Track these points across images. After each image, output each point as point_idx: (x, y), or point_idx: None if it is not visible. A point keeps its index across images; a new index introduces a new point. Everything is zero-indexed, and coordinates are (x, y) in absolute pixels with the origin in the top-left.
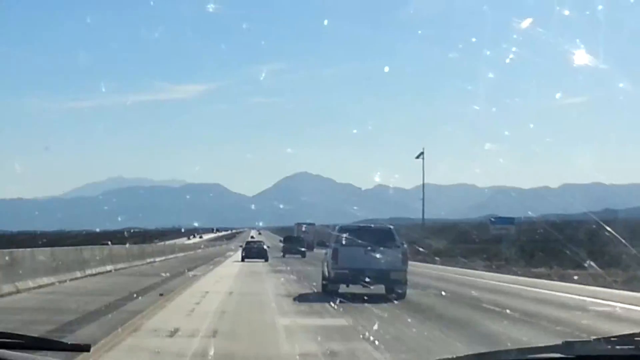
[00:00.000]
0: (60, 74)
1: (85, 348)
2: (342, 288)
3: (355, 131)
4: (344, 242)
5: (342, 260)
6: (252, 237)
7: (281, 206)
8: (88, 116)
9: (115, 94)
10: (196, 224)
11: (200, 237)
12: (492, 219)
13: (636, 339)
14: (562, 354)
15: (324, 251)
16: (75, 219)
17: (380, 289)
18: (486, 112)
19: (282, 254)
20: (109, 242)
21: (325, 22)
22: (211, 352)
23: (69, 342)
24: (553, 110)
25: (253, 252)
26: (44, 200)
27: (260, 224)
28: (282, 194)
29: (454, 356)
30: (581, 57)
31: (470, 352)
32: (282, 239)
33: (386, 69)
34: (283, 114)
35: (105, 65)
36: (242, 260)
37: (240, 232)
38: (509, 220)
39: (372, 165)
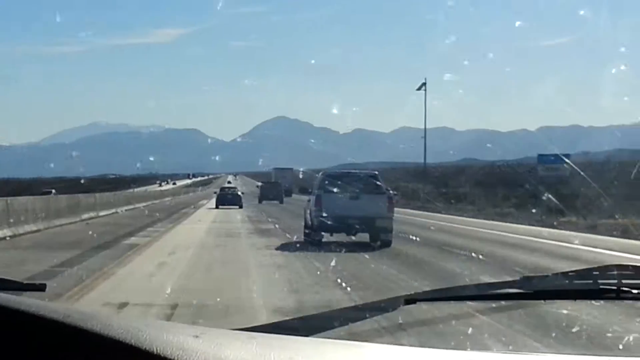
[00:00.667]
0: (36, 18)
1: (40, 287)
2: (326, 237)
3: (328, 74)
4: (327, 189)
5: (325, 207)
6: (228, 181)
7: (262, 150)
8: (66, 62)
9: (92, 39)
10: (174, 171)
11: (174, 183)
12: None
13: (594, 273)
14: (520, 288)
15: (306, 198)
16: (51, 166)
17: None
18: (462, 49)
19: (258, 200)
20: (53, 191)
21: None
22: None
23: (24, 282)
24: (533, 51)
25: (227, 198)
26: (20, 146)
27: (237, 168)
28: (260, 139)
29: (412, 292)
30: None
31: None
32: (259, 184)
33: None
34: (261, 58)
35: (83, 10)
36: (216, 207)
37: (217, 177)
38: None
39: (350, 109)
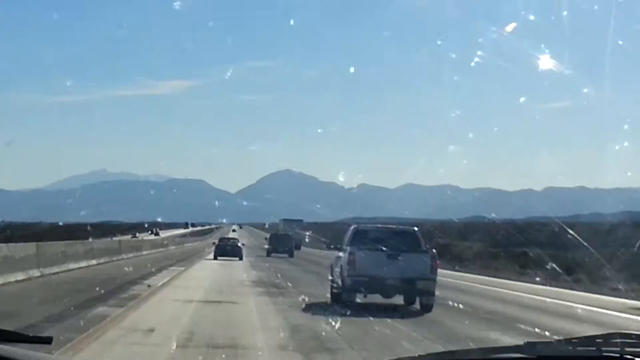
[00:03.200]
0: (45, 68)
1: (46, 340)
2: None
3: (334, 129)
4: (361, 245)
5: (360, 266)
6: (233, 229)
7: (267, 202)
8: (72, 110)
9: (100, 89)
10: (176, 219)
11: (156, 234)
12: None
13: (597, 340)
14: (524, 354)
15: (318, 252)
16: (53, 211)
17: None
18: (471, 115)
19: (267, 253)
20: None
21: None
22: None
23: (30, 335)
24: (537, 113)
25: (227, 249)
26: (26, 192)
27: (249, 220)
28: (265, 191)
29: (417, 355)
30: (546, 62)
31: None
32: (267, 236)
33: (352, 69)
34: (267, 112)
35: (91, 60)
36: (215, 258)
37: (220, 227)
38: None
39: (356, 165)
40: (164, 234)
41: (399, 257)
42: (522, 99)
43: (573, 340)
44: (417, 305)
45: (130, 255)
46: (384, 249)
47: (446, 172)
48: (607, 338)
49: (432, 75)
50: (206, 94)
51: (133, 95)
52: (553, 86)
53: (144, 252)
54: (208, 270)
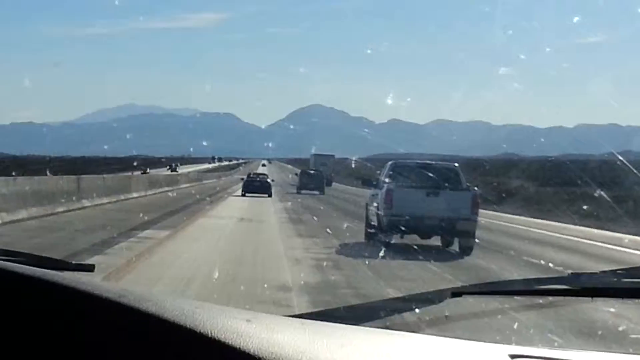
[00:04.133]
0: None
1: (88, 268)
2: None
3: (368, 53)
4: (399, 182)
5: (398, 204)
6: (263, 164)
7: (298, 137)
8: (101, 43)
9: (130, 21)
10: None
11: (173, 169)
12: None
13: None
14: (568, 285)
15: (349, 189)
16: (84, 145)
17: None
18: (503, 39)
19: (297, 189)
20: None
21: None
22: None
23: (73, 262)
24: (572, 47)
25: (255, 185)
26: (56, 125)
27: (279, 155)
28: (295, 126)
29: (459, 285)
30: None
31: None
32: (297, 172)
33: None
34: (298, 45)
35: None
36: (243, 194)
37: (248, 162)
38: None
39: (387, 99)
40: (185, 169)
41: (439, 196)
42: (576, 20)
43: (618, 272)
44: (455, 247)
45: (135, 195)
46: (423, 186)
47: (477, 108)
48: None
49: (460, 8)
50: (236, 27)
51: (163, 27)
52: (587, 20)
53: (154, 191)
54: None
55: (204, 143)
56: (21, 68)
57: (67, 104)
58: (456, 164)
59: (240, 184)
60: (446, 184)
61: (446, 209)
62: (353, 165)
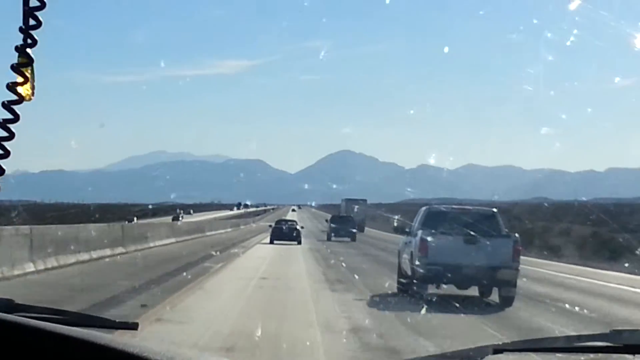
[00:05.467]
0: (106, 48)
1: (132, 326)
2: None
3: (407, 111)
4: (434, 229)
5: (433, 253)
6: (293, 209)
7: (328, 183)
8: (132, 90)
9: (160, 69)
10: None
11: (175, 218)
12: None
13: None
14: (609, 342)
15: (379, 235)
16: (115, 191)
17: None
18: (541, 95)
19: (327, 236)
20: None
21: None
22: None
23: (117, 320)
24: (605, 93)
25: (284, 232)
26: (85, 172)
27: (310, 202)
28: (324, 172)
29: (500, 342)
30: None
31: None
32: (327, 218)
33: (446, 49)
34: (327, 92)
35: (152, 40)
36: (271, 242)
37: (277, 208)
38: None
39: (417, 145)
40: (198, 217)
41: (478, 243)
42: (591, 70)
43: None
44: (494, 298)
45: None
46: (460, 233)
47: (507, 153)
48: None
49: (495, 55)
50: (265, 74)
51: (192, 75)
52: (619, 63)
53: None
54: None
55: (235, 191)
56: (51, 115)
57: (98, 152)
58: (495, 209)
59: (262, 236)
60: (485, 231)
61: (485, 257)
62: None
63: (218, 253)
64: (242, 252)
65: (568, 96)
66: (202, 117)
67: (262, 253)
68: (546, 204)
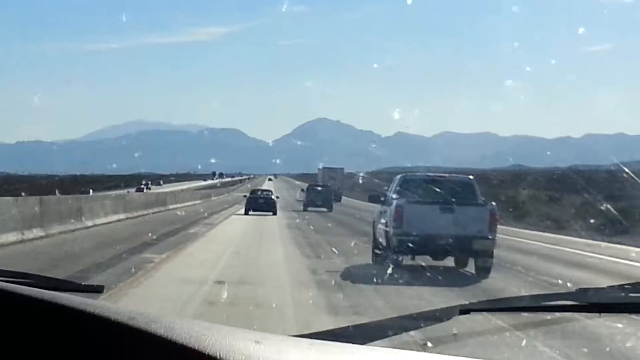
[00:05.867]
0: (80, 15)
1: (97, 289)
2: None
3: (375, 70)
4: (410, 198)
5: (408, 222)
6: (269, 179)
7: (305, 151)
8: (107, 59)
9: (136, 37)
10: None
11: (145, 186)
12: None
13: None
14: (575, 300)
15: (359, 204)
16: (92, 162)
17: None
18: (515, 56)
19: (303, 206)
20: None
21: None
22: None
23: (82, 283)
24: (579, 57)
25: (259, 203)
26: (63, 143)
27: (285, 170)
28: (301, 140)
29: (468, 302)
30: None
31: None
32: (303, 188)
33: (409, 1)
34: (305, 59)
35: (127, 8)
36: (246, 213)
37: (253, 178)
38: None
39: (393, 113)
40: (171, 187)
41: (454, 212)
42: (569, 33)
43: (625, 287)
44: (470, 269)
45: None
46: (436, 201)
47: (485, 119)
48: None
49: (464, 16)
50: (241, 41)
51: (168, 42)
52: (593, 30)
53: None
54: None
55: (212, 160)
56: (27, 86)
57: (74, 122)
58: (471, 177)
59: (234, 209)
60: (461, 199)
61: (462, 226)
62: (360, 181)
63: (171, 236)
64: (205, 232)
65: (544, 62)
66: (179, 86)
67: (229, 234)
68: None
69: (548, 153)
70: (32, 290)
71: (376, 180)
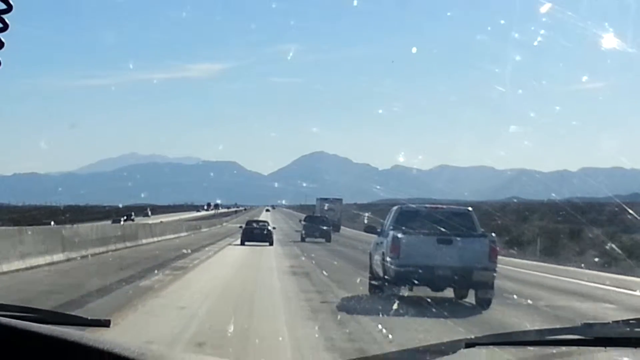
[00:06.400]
0: (76, 51)
1: (104, 323)
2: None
3: (378, 112)
4: (406, 229)
5: (405, 253)
6: (267, 209)
7: (302, 184)
8: (103, 94)
9: (131, 72)
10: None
11: (129, 218)
12: None
13: None
14: (580, 335)
15: (359, 234)
16: (88, 194)
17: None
18: (511, 95)
19: (301, 237)
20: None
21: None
22: None
23: (89, 317)
24: (575, 94)
25: (255, 233)
26: (58, 175)
27: (283, 201)
28: (298, 173)
29: (473, 336)
30: (608, 40)
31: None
32: (302, 218)
33: (414, 49)
34: (300, 94)
35: (122, 44)
36: (242, 243)
37: (249, 209)
38: None
39: (390, 146)
40: (160, 218)
41: (452, 243)
42: (565, 71)
43: (630, 321)
44: (470, 300)
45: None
46: (433, 232)
47: (481, 153)
48: None
49: (467, 55)
50: (236, 77)
51: (162, 78)
52: (588, 64)
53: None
54: None
55: (208, 192)
56: (22, 120)
57: (69, 155)
58: (470, 208)
59: (225, 242)
60: (459, 230)
61: (460, 257)
62: (365, 221)
63: (98, 298)
64: (167, 284)
65: (539, 96)
66: (174, 120)
67: (204, 286)
68: (515, 200)
69: (546, 184)
70: (41, 327)
71: (367, 214)
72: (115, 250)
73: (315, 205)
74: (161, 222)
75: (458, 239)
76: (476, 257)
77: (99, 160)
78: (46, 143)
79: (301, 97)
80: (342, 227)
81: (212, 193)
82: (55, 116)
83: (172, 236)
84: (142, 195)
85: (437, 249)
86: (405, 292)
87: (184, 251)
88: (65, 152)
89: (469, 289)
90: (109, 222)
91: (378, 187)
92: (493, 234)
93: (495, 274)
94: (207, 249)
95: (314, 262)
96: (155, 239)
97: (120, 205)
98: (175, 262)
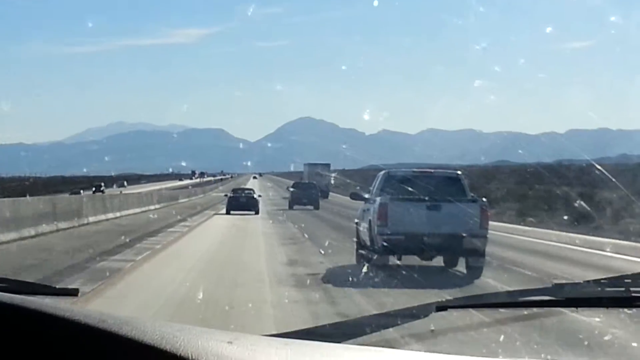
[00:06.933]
0: (61, 18)
1: (72, 292)
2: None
3: (364, 76)
4: (394, 195)
5: (393, 221)
6: (254, 177)
7: (289, 149)
8: (89, 61)
9: (116, 39)
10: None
11: (99, 189)
12: None
13: (626, 280)
14: (552, 296)
15: (347, 199)
16: (75, 164)
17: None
18: (497, 58)
19: (289, 205)
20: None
21: None
22: None
23: (57, 287)
24: (562, 56)
25: (241, 202)
26: (45, 145)
27: (271, 169)
28: (285, 139)
29: (445, 299)
30: None
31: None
32: (290, 185)
33: (375, 3)
34: (287, 59)
35: (108, 10)
36: (227, 212)
37: (237, 177)
38: None
39: (376, 111)
40: (138, 188)
41: (441, 209)
42: (548, 30)
43: (601, 281)
44: (461, 268)
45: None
46: (422, 198)
47: (468, 116)
48: (636, 278)
49: (450, 12)
50: (222, 42)
51: (148, 44)
52: (578, 24)
53: None
54: None
55: (194, 160)
56: (8, 89)
57: (56, 124)
58: (459, 172)
59: (203, 217)
60: (449, 195)
61: (450, 224)
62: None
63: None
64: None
65: (527, 58)
66: (161, 87)
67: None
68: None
69: (532, 145)
70: (8, 296)
71: (348, 181)
72: (34, 236)
73: (303, 171)
74: (121, 192)
75: (448, 204)
76: (467, 224)
77: (87, 129)
78: (32, 113)
79: (287, 62)
80: (330, 194)
81: (199, 161)
82: (42, 85)
83: (136, 210)
84: (129, 164)
85: (426, 216)
86: (394, 260)
87: (148, 230)
88: (52, 122)
89: (460, 256)
90: (67, 194)
91: (367, 153)
92: (484, 199)
93: (487, 241)
94: (173, 228)
95: (306, 234)
96: (111, 215)
97: (113, 174)
98: (103, 261)
